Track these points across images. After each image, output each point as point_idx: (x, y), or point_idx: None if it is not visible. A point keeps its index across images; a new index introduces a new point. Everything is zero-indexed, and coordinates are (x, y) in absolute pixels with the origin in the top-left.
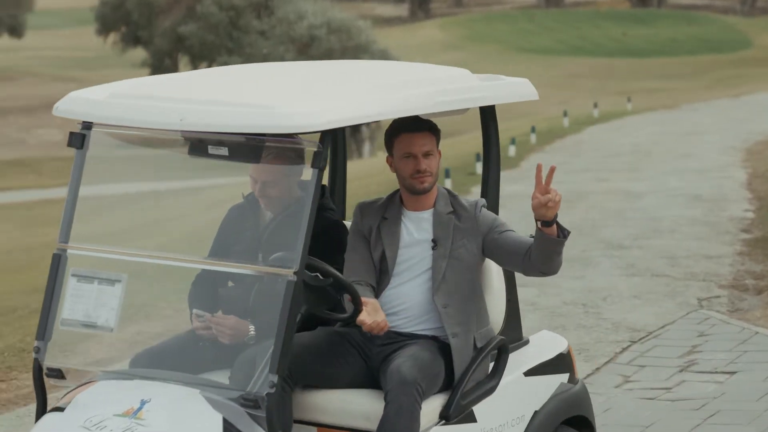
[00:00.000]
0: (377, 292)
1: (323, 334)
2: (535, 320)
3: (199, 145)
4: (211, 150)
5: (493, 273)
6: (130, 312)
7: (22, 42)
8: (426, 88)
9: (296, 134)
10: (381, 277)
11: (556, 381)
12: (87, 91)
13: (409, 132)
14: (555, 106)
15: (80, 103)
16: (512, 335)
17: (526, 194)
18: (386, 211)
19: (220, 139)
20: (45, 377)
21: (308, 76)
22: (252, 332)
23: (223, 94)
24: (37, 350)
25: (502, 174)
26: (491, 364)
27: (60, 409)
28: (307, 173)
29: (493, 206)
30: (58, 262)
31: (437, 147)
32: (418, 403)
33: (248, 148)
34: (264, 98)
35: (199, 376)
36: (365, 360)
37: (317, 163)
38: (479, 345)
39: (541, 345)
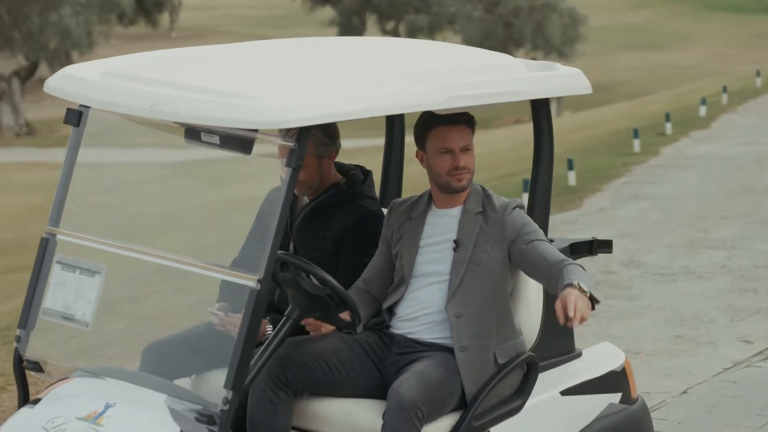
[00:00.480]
0: (398, 296)
1: (331, 339)
2: (725, 283)
3: (192, 131)
4: (204, 137)
5: (529, 281)
6: (116, 305)
7: (212, 1)
8: (442, 81)
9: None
10: (400, 281)
11: (602, 401)
12: (81, 66)
13: (446, 125)
14: (747, 66)
15: (67, 80)
16: (554, 349)
17: (717, 155)
18: (413, 210)
19: (210, 127)
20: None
21: (311, 60)
22: (269, 331)
23: (207, 79)
24: (18, 339)
25: (694, 134)
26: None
27: (35, 403)
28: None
29: (543, 214)
30: (45, 247)
31: (472, 141)
32: (417, 428)
33: (239, 138)
34: (244, 87)
35: (171, 382)
36: (379, 369)
37: (290, 162)
38: (501, 361)
39: (593, 359)
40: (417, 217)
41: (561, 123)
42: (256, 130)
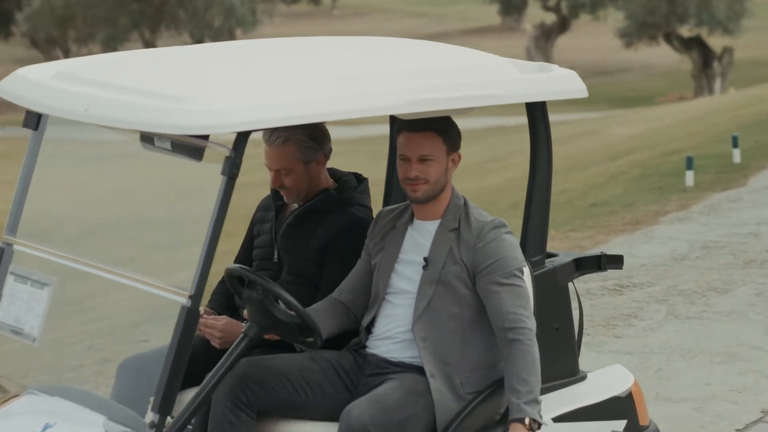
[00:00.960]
0: (373, 313)
1: (299, 358)
2: None
3: (146, 136)
4: (157, 142)
5: None
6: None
7: None
8: (403, 83)
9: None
10: (375, 296)
11: (603, 429)
12: (34, 68)
13: (409, 131)
14: None
15: (17, 82)
16: (549, 372)
17: None
18: (399, 219)
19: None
20: None
21: (267, 61)
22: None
23: (146, 81)
24: None
25: None
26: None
27: None
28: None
29: (540, 229)
30: (0, 256)
31: (449, 151)
32: None
33: (189, 145)
34: (177, 90)
35: (115, 403)
36: (350, 391)
37: (224, 170)
38: (468, 390)
39: (596, 384)
40: (400, 227)
41: (725, 100)
42: (206, 136)
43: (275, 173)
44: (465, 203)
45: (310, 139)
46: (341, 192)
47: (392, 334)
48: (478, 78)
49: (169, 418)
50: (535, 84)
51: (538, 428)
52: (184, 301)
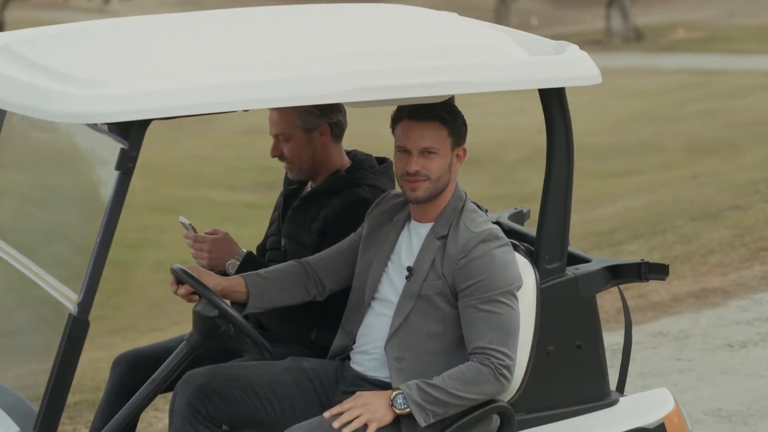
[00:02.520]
0: (357, 322)
1: (273, 368)
2: None
3: None
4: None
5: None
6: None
7: None
8: (350, 66)
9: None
10: (358, 302)
11: None
12: None
13: (410, 119)
14: None
15: None
16: (563, 397)
17: None
18: (399, 212)
19: None
20: None
21: (194, 38)
22: (235, 260)
23: (54, 59)
24: None
25: None
26: None
27: None
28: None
29: (558, 229)
30: None
31: (454, 144)
32: None
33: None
34: (77, 70)
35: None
36: (324, 407)
37: (118, 164)
38: (448, 421)
39: (626, 411)
40: (398, 222)
41: None
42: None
43: (274, 140)
44: (463, 206)
45: (313, 105)
46: (351, 172)
47: (369, 348)
48: (452, 61)
49: None
50: (536, 69)
51: (400, 411)
52: (72, 308)
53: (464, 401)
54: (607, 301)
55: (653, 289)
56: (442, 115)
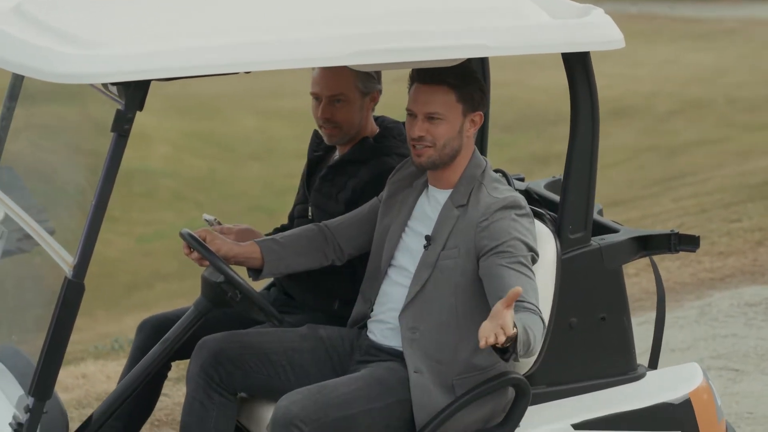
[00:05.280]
0: (375, 290)
1: (289, 335)
2: None
3: None
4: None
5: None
6: None
7: None
8: (358, 28)
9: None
10: (375, 269)
11: None
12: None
13: (420, 83)
14: None
15: None
16: (586, 370)
17: None
18: (418, 177)
19: None
20: None
21: (198, 4)
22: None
23: (57, 19)
24: None
25: None
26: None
27: None
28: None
29: (582, 202)
30: None
31: (466, 110)
32: None
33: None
34: (78, 30)
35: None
36: (339, 376)
37: (114, 126)
38: (459, 392)
39: (652, 385)
40: (416, 188)
41: None
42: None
43: (326, 101)
44: (483, 173)
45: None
46: (380, 140)
47: (385, 318)
48: (464, 25)
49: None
50: (552, 33)
51: (507, 344)
52: (67, 270)
53: (536, 350)
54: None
55: None
56: (449, 80)
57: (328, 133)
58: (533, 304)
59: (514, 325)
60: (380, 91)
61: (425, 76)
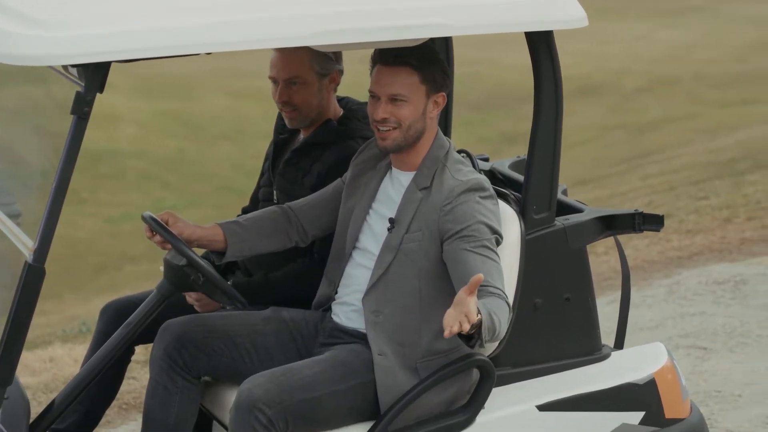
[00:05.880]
0: (339, 271)
1: (253, 318)
2: None
3: None
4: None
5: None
6: None
7: None
8: (317, 8)
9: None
10: (340, 251)
11: (611, 421)
12: None
13: (382, 65)
14: None
15: None
16: (549, 351)
17: None
18: (382, 159)
19: None
20: None
21: None
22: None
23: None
24: None
25: None
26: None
27: None
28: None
29: (545, 184)
30: None
31: (429, 91)
32: None
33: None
34: (35, 11)
35: None
36: (301, 360)
37: (76, 109)
38: (423, 375)
39: (617, 366)
40: (380, 170)
41: None
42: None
43: (283, 84)
44: (446, 155)
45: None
46: (344, 122)
47: (350, 300)
48: (423, 3)
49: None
50: (500, 12)
51: (472, 330)
52: (27, 255)
53: (501, 334)
54: None
55: None
56: (411, 62)
57: (288, 116)
58: (498, 288)
59: (479, 312)
60: (341, 72)
61: (387, 58)
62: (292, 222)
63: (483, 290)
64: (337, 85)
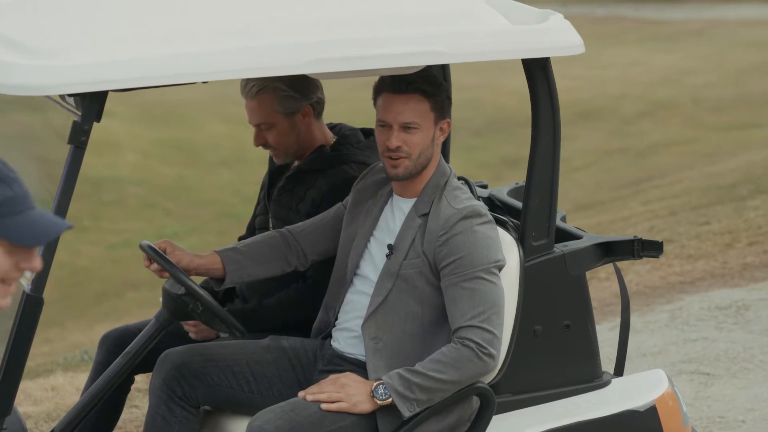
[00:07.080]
0: (339, 297)
1: (252, 348)
2: None
3: None
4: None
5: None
6: None
7: None
8: (313, 36)
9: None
10: (341, 277)
11: None
12: None
13: (391, 92)
14: None
15: None
16: (548, 378)
17: None
18: (383, 186)
19: None
20: None
21: (136, 5)
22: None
23: (7, 27)
24: None
25: None
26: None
27: None
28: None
29: (543, 209)
30: None
31: (437, 118)
32: None
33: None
34: (31, 40)
35: None
36: (302, 388)
37: (73, 138)
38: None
39: (617, 393)
40: (381, 197)
41: None
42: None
43: (256, 129)
44: (447, 181)
45: (290, 87)
46: (336, 148)
47: (350, 326)
48: (419, 30)
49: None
50: (499, 39)
51: (382, 402)
52: (25, 285)
53: (448, 385)
54: None
55: None
56: (423, 88)
57: (273, 155)
58: (465, 338)
59: (378, 392)
60: (318, 102)
61: (398, 86)
62: (291, 246)
63: (455, 333)
64: (320, 113)
